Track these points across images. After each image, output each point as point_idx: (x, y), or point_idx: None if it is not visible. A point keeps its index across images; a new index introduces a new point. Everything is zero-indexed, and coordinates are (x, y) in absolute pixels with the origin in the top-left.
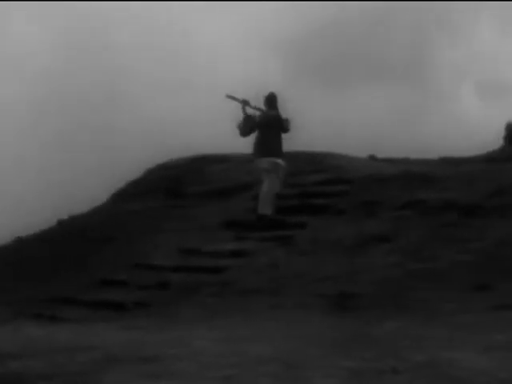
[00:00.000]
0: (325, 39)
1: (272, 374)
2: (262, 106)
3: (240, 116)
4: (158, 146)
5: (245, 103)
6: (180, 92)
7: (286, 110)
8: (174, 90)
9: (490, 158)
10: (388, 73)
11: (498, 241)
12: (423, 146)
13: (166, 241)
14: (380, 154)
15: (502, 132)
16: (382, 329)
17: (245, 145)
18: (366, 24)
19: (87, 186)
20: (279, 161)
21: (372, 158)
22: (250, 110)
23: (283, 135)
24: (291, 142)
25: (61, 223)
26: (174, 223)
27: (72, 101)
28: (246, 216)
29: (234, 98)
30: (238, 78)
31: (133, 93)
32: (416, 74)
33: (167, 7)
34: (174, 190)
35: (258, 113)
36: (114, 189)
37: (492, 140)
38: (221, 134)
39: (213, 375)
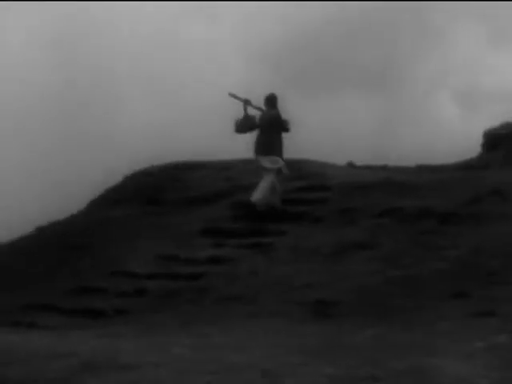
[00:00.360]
0: (303, 48)
1: (249, 382)
2: (263, 106)
3: (240, 114)
4: (137, 152)
5: (246, 102)
6: (164, 101)
7: (285, 110)
8: (160, 100)
9: (467, 166)
10: (367, 81)
11: (474, 248)
12: (402, 154)
13: (145, 248)
14: (358, 162)
15: (480, 140)
16: (361, 336)
17: (224, 150)
18: (346, 33)
19: (66, 192)
20: (279, 159)
21: (351, 165)
22: (250, 109)
23: (283, 135)
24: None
25: (40, 230)
26: (153, 230)
27: (48, 106)
28: (224, 223)
29: (236, 97)
30: (222, 85)
31: (114, 97)
32: (394, 82)
33: (153, 14)
34: (152, 196)
35: (258, 112)
36: (92, 195)
37: (470, 148)
38: (201, 142)
39: (191, 382)
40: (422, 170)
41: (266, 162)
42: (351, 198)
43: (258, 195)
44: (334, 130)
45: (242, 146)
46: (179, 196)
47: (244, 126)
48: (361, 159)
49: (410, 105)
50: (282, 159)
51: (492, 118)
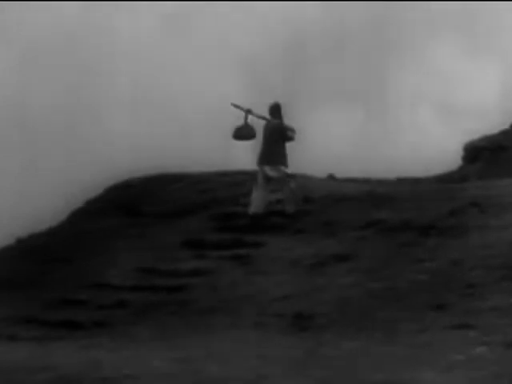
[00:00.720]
0: (283, 60)
1: None
2: (267, 115)
3: (240, 122)
4: (117, 164)
5: (248, 112)
6: (138, 110)
7: (289, 119)
8: (132, 107)
9: (447, 178)
10: (346, 94)
11: (453, 260)
12: (382, 167)
13: (125, 260)
14: (339, 174)
15: (460, 152)
16: (340, 348)
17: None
18: (326, 47)
19: (46, 204)
20: (282, 168)
21: (331, 177)
22: (253, 119)
23: (287, 143)
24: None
25: (19, 242)
26: (133, 242)
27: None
28: (205, 235)
29: (238, 107)
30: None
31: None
32: (374, 95)
33: (128, 25)
34: (132, 208)
35: (261, 121)
36: (72, 207)
37: (450, 160)
38: (181, 154)
39: None
40: (402, 182)
41: (268, 170)
42: (332, 211)
43: (254, 207)
44: (313, 143)
45: (219, 160)
46: (160, 208)
47: (242, 134)
48: (341, 172)
49: (389, 118)
50: (287, 168)
51: (471, 131)
